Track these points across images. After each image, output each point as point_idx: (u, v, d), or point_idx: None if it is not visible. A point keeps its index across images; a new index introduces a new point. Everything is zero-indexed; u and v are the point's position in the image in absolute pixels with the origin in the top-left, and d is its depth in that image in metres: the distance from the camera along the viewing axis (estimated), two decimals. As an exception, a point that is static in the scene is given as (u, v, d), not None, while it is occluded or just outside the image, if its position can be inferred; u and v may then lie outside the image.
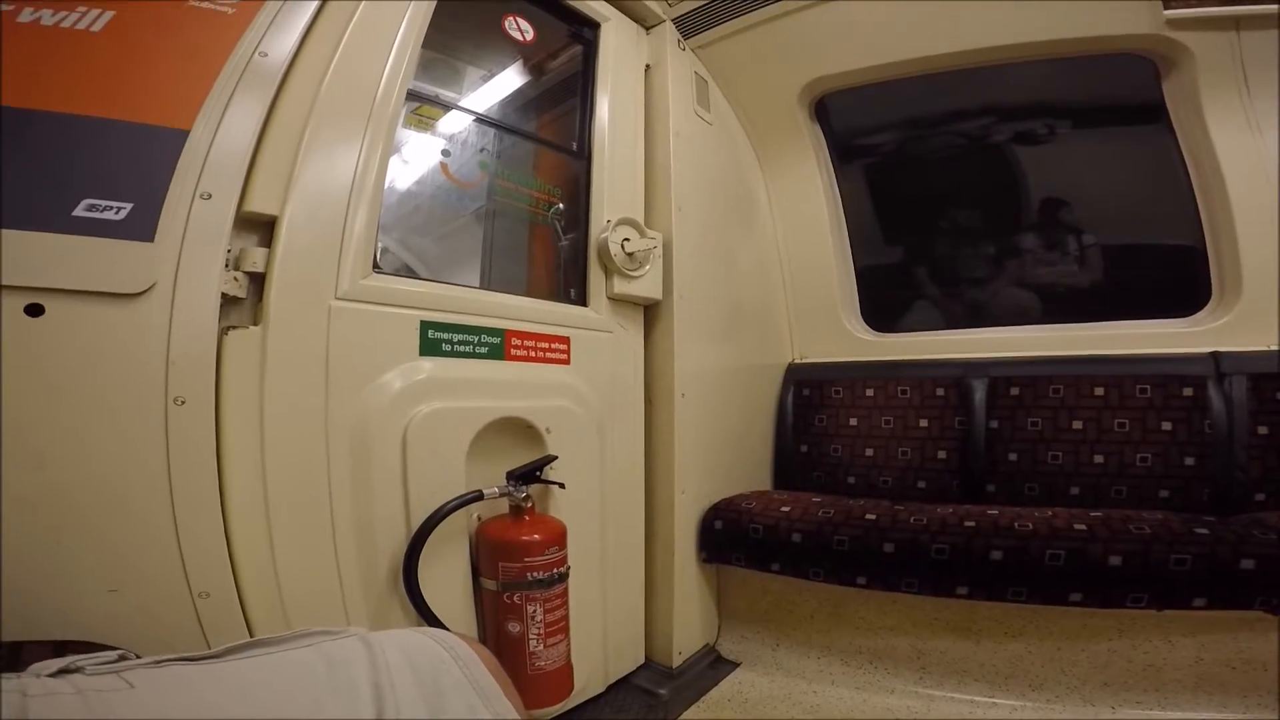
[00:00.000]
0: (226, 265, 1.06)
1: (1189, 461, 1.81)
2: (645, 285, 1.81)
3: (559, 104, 2.00)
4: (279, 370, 1.09)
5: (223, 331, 1.05)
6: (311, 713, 0.47)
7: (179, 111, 1.03)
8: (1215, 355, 1.86)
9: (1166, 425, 1.84)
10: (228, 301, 1.07)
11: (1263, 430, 1.75)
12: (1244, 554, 1.38)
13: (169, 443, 0.95)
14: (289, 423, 1.11)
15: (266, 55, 1.14)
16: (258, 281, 1.11)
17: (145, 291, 0.94)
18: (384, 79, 1.33)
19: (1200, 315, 1.98)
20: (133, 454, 0.93)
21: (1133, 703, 1.52)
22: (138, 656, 0.51)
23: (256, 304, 1.11)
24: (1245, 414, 1.77)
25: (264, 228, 1.13)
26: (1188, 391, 1.84)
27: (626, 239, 1.76)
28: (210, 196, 1.03)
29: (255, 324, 1.10)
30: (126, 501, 0.93)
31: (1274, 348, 1.82)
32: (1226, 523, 1.50)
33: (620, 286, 1.76)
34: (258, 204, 1.10)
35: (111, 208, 0.93)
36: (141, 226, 0.95)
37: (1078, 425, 1.94)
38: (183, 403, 0.97)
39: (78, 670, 0.44)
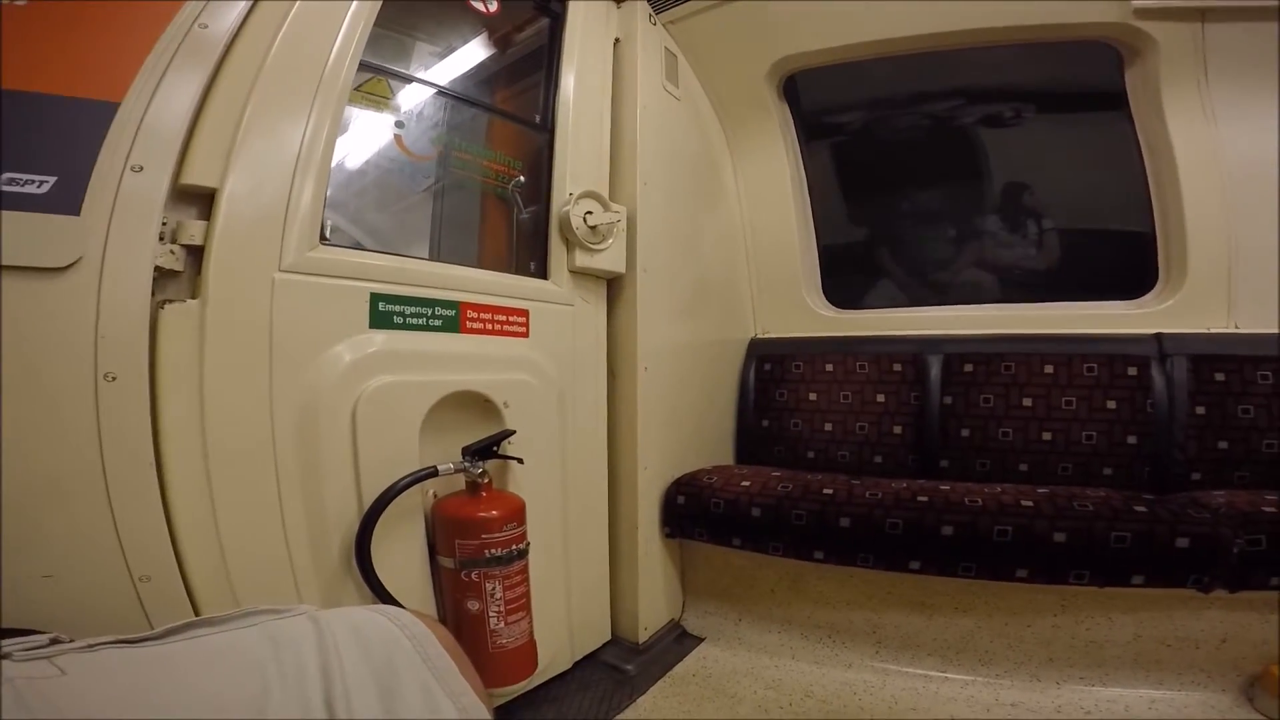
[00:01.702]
0: (162, 238, 1.02)
1: (1131, 440, 1.88)
2: (608, 259, 1.79)
3: (523, 77, 1.95)
4: (219, 344, 1.06)
5: (158, 305, 1.01)
6: (256, 695, 0.45)
7: (109, 84, 0.99)
8: (1159, 336, 1.93)
9: (1111, 404, 1.91)
10: (164, 275, 1.03)
11: (1200, 410, 1.82)
12: (1179, 533, 1.44)
13: (100, 420, 0.92)
14: (231, 397, 1.08)
15: (207, 27, 1.10)
16: (196, 255, 1.07)
17: (71, 265, 0.90)
18: (335, 49, 1.28)
19: (1147, 298, 2.04)
20: (62, 432, 0.90)
21: (1075, 678, 1.58)
22: (71, 640, 0.49)
23: (195, 277, 1.07)
24: (1185, 394, 1.84)
25: (203, 200, 1.09)
26: (1132, 371, 1.91)
27: (589, 212, 1.74)
28: (142, 169, 0.99)
29: (194, 297, 1.06)
30: (57, 482, 0.90)
31: (1214, 330, 1.90)
32: (1164, 501, 1.56)
33: (582, 259, 1.74)
34: (196, 176, 1.06)
35: (33, 181, 0.89)
36: (66, 199, 0.91)
37: (1028, 403, 1.99)
38: (113, 379, 0.93)
39: (5, 656, 0.42)
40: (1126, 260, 2.14)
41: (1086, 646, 1.58)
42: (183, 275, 1.07)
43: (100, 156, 0.95)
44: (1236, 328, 1.89)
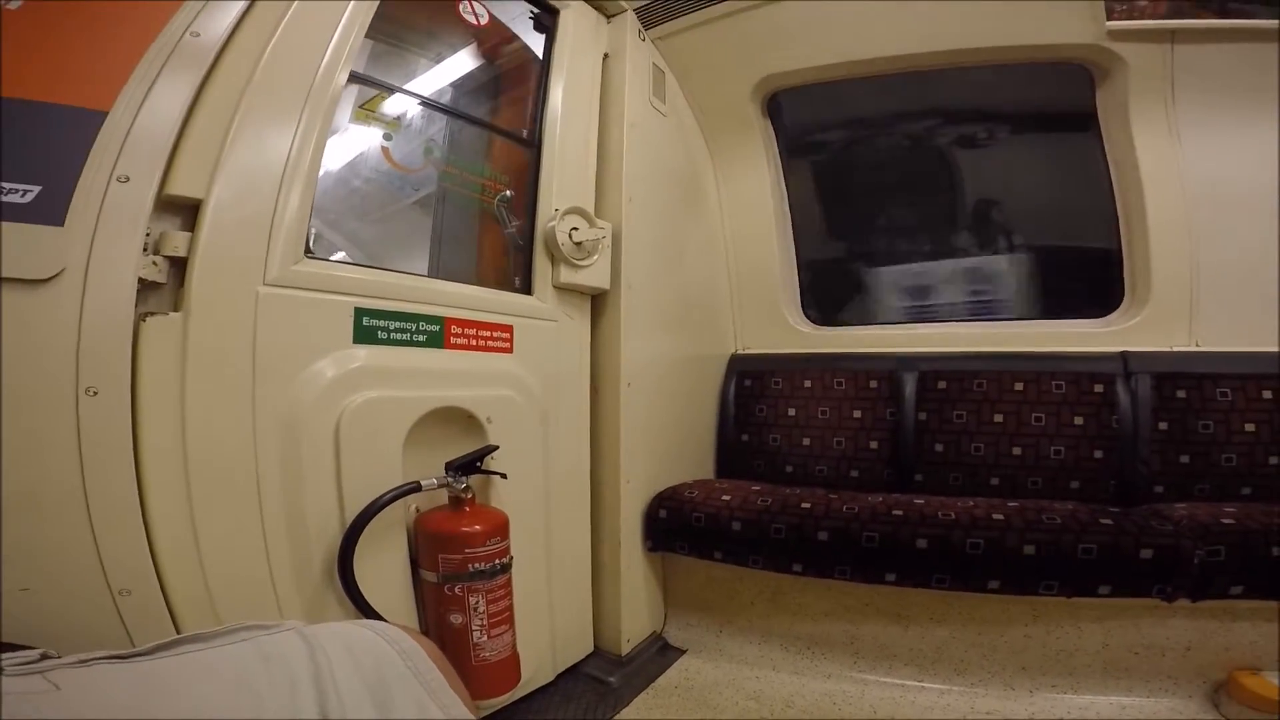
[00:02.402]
0: (145, 249, 1.01)
1: (1097, 455, 1.93)
2: (593, 275, 1.81)
3: (511, 90, 1.96)
4: (201, 358, 1.05)
5: (140, 318, 1.00)
6: (252, 710, 0.45)
7: (97, 92, 0.98)
8: (1124, 355, 1.99)
9: (1079, 420, 1.96)
10: (146, 287, 1.02)
11: (1163, 426, 1.89)
12: (1143, 544, 1.48)
13: (80, 434, 0.91)
14: (213, 412, 1.07)
15: (199, 35, 1.10)
16: (179, 266, 1.06)
17: (54, 277, 0.89)
18: (325, 60, 1.28)
19: (1112, 316, 2.12)
20: (42, 446, 0.89)
21: (1048, 686, 1.61)
22: (59, 656, 0.49)
23: (178, 290, 1.07)
24: (1148, 411, 1.91)
25: (187, 211, 1.08)
26: (1098, 388, 1.97)
27: (575, 228, 1.75)
28: (128, 179, 0.98)
29: (176, 310, 1.05)
30: (35, 495, 0.88)
31: (1177, 348, 1.97)
32: (1128, 514, 1.61)
33: (567, 275, 1.75)
34: (181, 187, 1.06)
35: (17, 190, 0.88)
36: (50, 210, 0.90)
37: (999, 418, 2.05)
38: (95, 393, 0.93)
39: None
40: (1093, 278, 2.21)
41: (1058, 655, 1.62)
42: (165, 287, 1.06)
43: (86, 166, 0.94)
44: (1198, 346, 1.96)
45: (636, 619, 1.94)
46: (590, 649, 1.89)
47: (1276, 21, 1.79)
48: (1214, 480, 1.83)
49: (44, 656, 0.46)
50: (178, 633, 0.98)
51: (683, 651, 1.96)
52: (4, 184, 0.87)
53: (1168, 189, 1.99)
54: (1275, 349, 1.86)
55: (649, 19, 2.10)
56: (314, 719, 0.46)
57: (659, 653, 1.95)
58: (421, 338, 1.41)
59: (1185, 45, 1.89)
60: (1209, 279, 1.97)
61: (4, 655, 0.45)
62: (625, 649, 1.87)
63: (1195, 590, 1.48)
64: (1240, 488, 1.81)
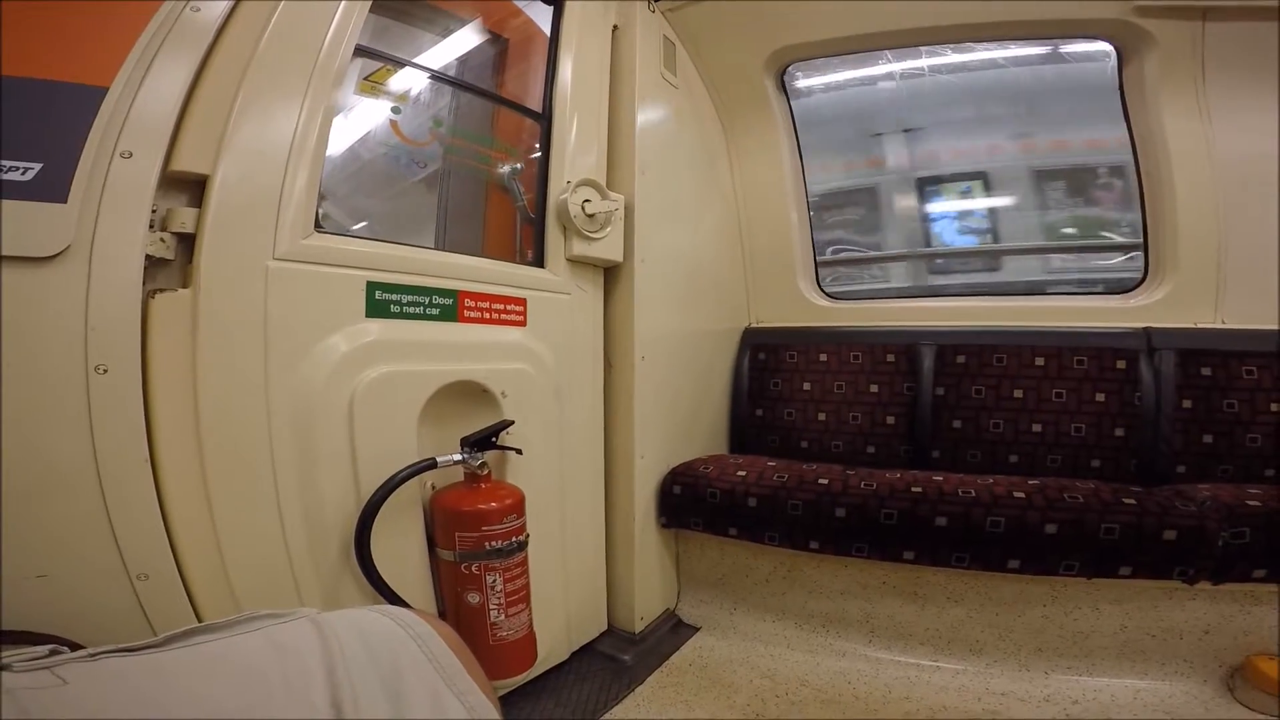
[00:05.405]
0: (152, 226, 0.99)
1: (1119, 432, 1.90)
2: (606, 247, 1.77)
3: (520, 63, 1.91)
4: (212, 334, 1.04)
5: (149, 295, 0.99)
6: (262, 702, 0.45)
7: (96, 68, 0.95)
8: (1148, 331, 1.95)
9: (1100, 396, 1.93)
10: (154, 264, 1.01)
11: (1187, 404, 1.85)
12: (1167, 525, 1.46)
13: (91, 414, 0.90)
14: (225, 389, 1.05)
15: (199, 10, 1.07)
16: (187, 243, 1.04)
17: (59, 255, 0.87)
18: (330, 32, 1.24)
19: (1136, 292, 2.07)
20: (52, 427, 0.88)
21: (1064, 668, 1.61)
22: (71, 649, 0.48)
23: (187, 266, 1.05)
24: (1172, 388, 1.87)
25: (194, 187, 1.06)
26: (1121, 364, 1.93)
27: (587, 200, 1.71)
28: (131, 155, 0.96)
29: (185, 286, 1.03)
30: (49, 479, 0.87)
31: (1202, 325, 1.92)
32: (1151, 494, 1.58)
33: (580, 248, 1.72)
34: (186, 163, 1.03)
35: (17, 168, 0.85)
36: (52, 187, 0.88)
37: (1018, 394, 2.01)
38: (105, 371, 0.91)
39: (5, 667, 0.41)
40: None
41: (1074, 637, 1.61)
42: (174, 264, 1.04)
43: (88, 142, 0.92)
44: (1223, 323, 1.92)
45: (650, 596, 1.94)
46: (604, 627, 1.89)
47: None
48: (1237, 461, 1.80)
49: (54, 651, 0.45)
50: (197, 616, 0.99)
51: (696, 629, 1.96)
52: (4, 162, 0.85)
53: (1196, 168, 1.92)
54: (1304, 328, 1.81)
55: (658, -11, 2.03)
56: (326, 712, 0.46)
57: (672, 630, 1.96)
58: (435, 311, 1.39)
59: (1217, 23, 1.81)
60: (1237, 256, 1.92)
61: (14, 651, 0.44)
62: (639, 627, 1.88)
63: (1217, 573, 1.46)
64: (1264, 469, 1.78)
